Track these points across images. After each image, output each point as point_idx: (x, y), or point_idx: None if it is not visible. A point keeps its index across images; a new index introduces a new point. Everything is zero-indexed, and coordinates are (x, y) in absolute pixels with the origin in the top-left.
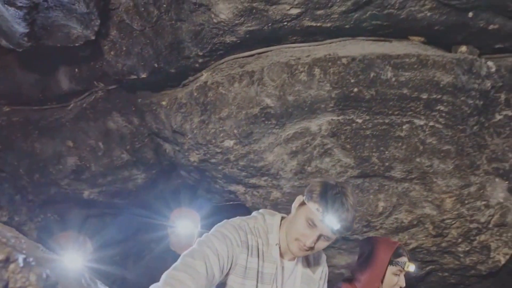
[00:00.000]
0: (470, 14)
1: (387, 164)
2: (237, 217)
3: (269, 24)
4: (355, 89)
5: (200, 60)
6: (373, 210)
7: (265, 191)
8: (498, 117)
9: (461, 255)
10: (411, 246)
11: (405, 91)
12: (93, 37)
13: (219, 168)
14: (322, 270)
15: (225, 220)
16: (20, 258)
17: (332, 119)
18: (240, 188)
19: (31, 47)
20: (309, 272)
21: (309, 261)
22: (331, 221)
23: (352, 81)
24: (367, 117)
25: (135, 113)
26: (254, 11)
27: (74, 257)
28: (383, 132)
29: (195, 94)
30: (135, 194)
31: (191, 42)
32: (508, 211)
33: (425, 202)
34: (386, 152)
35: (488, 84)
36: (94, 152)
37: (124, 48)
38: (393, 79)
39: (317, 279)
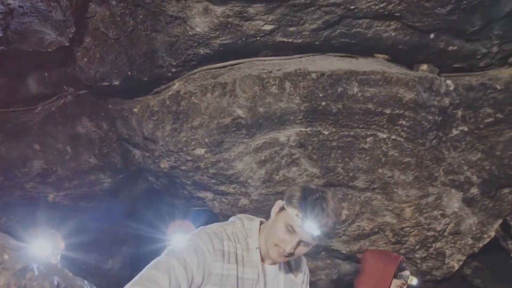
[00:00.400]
0: (432, 36)
1: (351, 174)
2: (215, 223)
3: (243, 38)
4: (323, 103)
5: (173, 70)
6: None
7: (233, 198)
8: (455, 132)
9: (418, 261)
10: None
11: (370, 106)
12: (67, 44)
13: (189, 175)
14: (304, 274)
15: (201, 227)
16: (35, 267)
17: (300, 131)
18: (209, 195)
19: (1, 51)
20: (291, 276)
21: (291, 265)
22: (311, 227)
23: (321, 95)
24: (334, 130)
25: (105, 118)
26: (229, 25)
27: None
28: (348, 144)
29: (168, 102)
30: (101, 198)
31: (165, 52)
32: (462, 220)
33: (386, 210)
34: (351, 163)
35: (446, 101)
36: (61, 156)
37: (97, 55)
38: (359, 94)
39: (299, 282)
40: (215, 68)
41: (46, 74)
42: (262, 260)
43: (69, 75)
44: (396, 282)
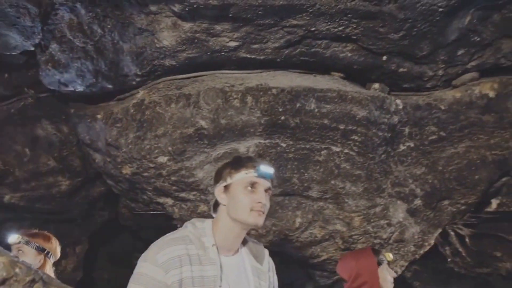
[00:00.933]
0: (384, 58)
1: (305, 184)
2: (162, 237)
3: (208, 53)
4: (282, 117)
5: (138, 79)
6: (290, 225)
7: (193, 204)
8: (402, 147)
9: None
10: (322, 258)
11: (325, 121)
12: (32, 48)
13: (151, 181)
14: (268, 262)
15: (142, 256)
16: (42, 277)
17: (259, 142)
18: (169, 201)
19: None
20: (256, 264)
21: (253, 253)
22: (265, 168)
23: (280, 110)
24: (291, 142)
25: (66, 122)
26: (196, 40)
27: None
28: (304, 156)
29: (132, 111)
30: (57, 200)
31: (131, 62)
32: (406, 229)
33: (337, 219)
34: (306, 174)
35: (395, 119)
36: (19, 158)
37: (62, 61)
38: (316, 110)
39: (266, 270)
40: (179, 79)
41: (6, 75)
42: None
43: (30, 78)
44: (383, 268)
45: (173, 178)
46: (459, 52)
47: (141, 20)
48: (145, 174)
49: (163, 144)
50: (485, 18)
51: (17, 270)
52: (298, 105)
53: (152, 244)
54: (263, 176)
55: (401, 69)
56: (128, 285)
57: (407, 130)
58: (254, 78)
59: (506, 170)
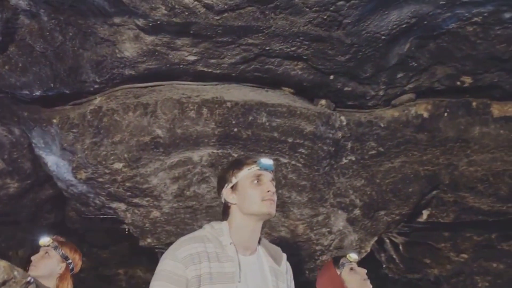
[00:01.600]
0: (331, 77)
1: None
2: (182, 237)
3: (168, 65)
4: (235, 129)
5: (96, 86)
6: None
7: (145, 210)
8: (344, 161)
9: (307, 272)
10: None
11: (275, 134)
12: None
13: (105, 186)
14: (286, 264)
15: (163, 254)
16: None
17: (212, 152)
18: (122, 206)
19: None
20: (274, 265)
21: (271, 254)
22: (265, 161)
23: (233, 122)
24: (242, 153)
25: (17, 124)
26: (156, 53)
27: None
28: None
29: (89, 117)
30: (4, 202)
31: (91, 69)
32: (345, 237)
33: (282, 227)
34: None
35: (339, 134)
36: None
37: (20, 65)
38: (267, 123)
39: (284, 271)
40: (137, 88)
41: None
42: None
43: None
44: (345, 271)
45: (127, 184)
46: (399, 75)
47: (104, 30)
48: (100, 179)
49: (119, 151)
50: (422, 46)
51: (15, 273)
52: (250, 118)
53: (172, 244)
54: (265, 168)
55: (346, 88)
56: (151, 282)
57: (349, 144)
58: (210, 91)
59: (436, 184)
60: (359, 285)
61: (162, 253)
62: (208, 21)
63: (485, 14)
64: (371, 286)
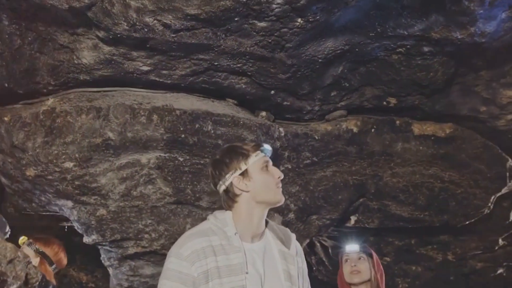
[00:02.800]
0: (272, 92)
1: (197, 195)
2: (186, 232)
3: (122, 73)
4: (183, 135)
5: (50, 88)
6: (181, 231)
7: (92, 208)
8: (281, 168)
9: None
10: None
11: (219, 141)
12: None
13: (54, 184)
14: (296, 246)
15: (169, 251)
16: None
17: (160, 155)
18: (69, 203)
19: None
20: (283, 248)
21: (280, 237)
22: (267, 147)
23: (181, 129)
24: (188, 157)
25: None
26: (112, 62)
27: None
28: (198, 170)
29: (42, 117)
30: None
31: (46, 73)
32: None
33: None
34: (198, 186)
35: (278, 144)
36: None
37: None
38: (212, 131)
39: (293, 254)
40: (90, 92)
41: None
42: (245, 241)
43: None
44: (343, 263)
45: (76, 183)
46: (332, 94)
47: (63, 38)
48: (49, 177)
49: (70, 151)
50: (354, 69)
51: (19, 253)
52: (197, 126)
53: (177, 240)
54: (267, 153)
55: (285, 102)
56: (159, 280)
57: (286, 154)
58: (160, 98)
59: (363, 192)
60: (347, 276)
61: (106, 250)
62: (165, 38)
63: (408, 46)
64: (359, 279)
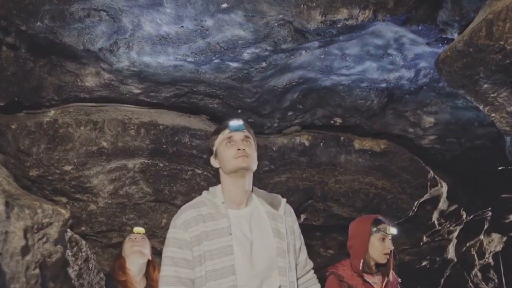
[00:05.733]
0: (239, 111)
1: (173, 195)
2: (181, 207)
3: (117, 94)
4: (164, 146)
5: (53, 102)
6: (158, 224)
7: (84, 204)
8: None
9: None
10: None
11: (194, 151)
12: None
13: (53, 183)
14: (285, 208)
15: (169, 227)
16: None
17: (144, 161)
18: (64, 199)
19: None
20: (271, 209)
21: (268, 201)
22: (233, 122)
23: (164, 140)
24: (167, 163)
25: None
26: (110, 86)
27: None
28: (175, 174)
29: (45, 126)
30: None
31: (52, 90)
32: None
33: None
34: (174, 188)
35: None
36: None
37: None
38: (189, 143)
39: (282, 214)
40: (87, 106)
41: None
42: (233, 208)
43: None
44: (376, 236)
45: (73, 183)
46: (289, 113)
47: (71, 65)
48: (50, 177)
49: (70, 157)
50: (307, 95)
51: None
52: (176, 138)
53: (171, 224)
54: (235, 129)
55: (249, 119)
56: (163, 249)
57: None
58: (146, 114)
59: (311, 195)
60: (378, 255)
61: (93, 239)
62: (156, 71)
63: (349, 81)
64: (386, 261)
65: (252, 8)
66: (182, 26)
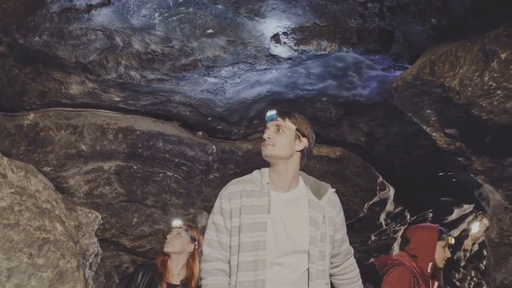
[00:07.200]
0: (209, 118)
1: (145, 195)
2: (230, 181)
3: (99, 101)
4: (139, 150)
5: (34, 106)
6: (129, 223)
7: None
8: (211, 176)
9: None
10: (146, 248)
11: (167, 155)
12: None
13: None
14: (329, 199)
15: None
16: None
17: (119, 164)
18: None
19: None
20: (314, 198)
21: (313, 190)
22: (268, 113)
23: (139, 145)
24: (140, 166)
25: None
26: (93, 94)
27: None
28: (147, 176)
29: (25, 129)
30: None
31: (34, 95)
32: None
33: (161, 221)
34: (146, 189)
35: (210, 158)
36: None
37: None
38: (162, 147)
39: (323, 204)
40: (66, 111)
41: None
42: (278, 190)
43: None
44: (440, 244)
45: (51, 183)
46: (255, 122)
47: (57, 73)
48: None
49: (49, 158)
50: (272, 105)
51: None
52: (151, 143)
53: (222, 190)
54: (269, 119)
55: (218, 126)
56: (209, 219)
57: (216, 165)
58: (123, 120)
59: None
60: (439, 261)
61: None
62: (140, 83)
63: (311, 95)
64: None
65: (234, 34)
66: (168, 46)
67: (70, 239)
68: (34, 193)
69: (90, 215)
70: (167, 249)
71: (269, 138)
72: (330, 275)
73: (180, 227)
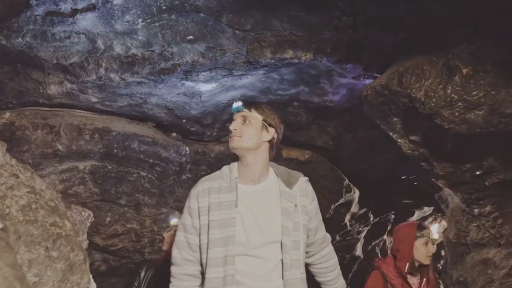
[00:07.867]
0: (184, 121)
1: (118, 195)
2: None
3: (76, 102)
4: (115, 150)
5: (10, 105)
6: (102, 221)
7: None
8: (183, 177)
9: (146, 253)
10: (118, 247)
11: (141, 156)
12: None
13: None
14: (300, 187)
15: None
16: None
17: (94, 164)
18: None
19: None
20: (285, 188)
21: (285, 180)
22: (234, 105)
23: (115, 145)
24: (115, 166)
25: None
26: (71, 94)
27: None
28: (121, 176)
29: (1, 128)
30: None
31: (11, 94)
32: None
33: (134, 220)
34: (120, 188)
35: (183, 159)
36: None
37: None
38: (137, 148)
39: (294, 193)
40: (43, 110)
41: None
42: (247, 184)
43: None
44: (420, 241)
45: None
46: (227, 124)
47: (36, 74)
48: None
49: (25, 157)
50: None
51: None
52: (126, 143)
53: (190, 192)
54: (236, 110)
55: (192, 128)
56: (180, 224)
57: (188, 166)
58: (100, 120)
59: None
60: (422, 258)
61: None
62: (119, 85)
63: (284, 100)
64: (429, 262)
65: (213, 41)
66: (149, 50)
67: (77, 235)
68: (40, 192)
69: (83, 213)
70: (165, 247)
71: (235, 129)
72: (308, 265)
73: (176, 225)
